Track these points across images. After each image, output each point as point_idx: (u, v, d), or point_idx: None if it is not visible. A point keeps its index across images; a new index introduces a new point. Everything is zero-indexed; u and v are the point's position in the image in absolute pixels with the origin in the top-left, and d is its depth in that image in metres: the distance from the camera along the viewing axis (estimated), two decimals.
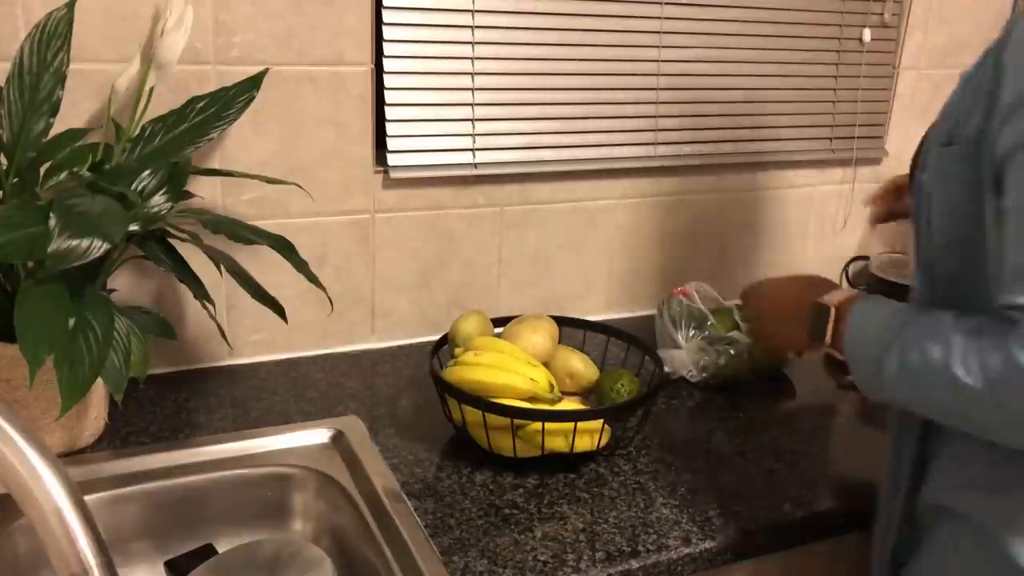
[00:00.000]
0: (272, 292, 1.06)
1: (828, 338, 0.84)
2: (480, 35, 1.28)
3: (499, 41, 1.29)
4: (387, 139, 1.26)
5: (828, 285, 0.90)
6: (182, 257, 1.05)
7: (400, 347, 1.36)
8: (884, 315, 0.78)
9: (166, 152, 1.02)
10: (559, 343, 1.16)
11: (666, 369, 1.19)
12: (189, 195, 1.14)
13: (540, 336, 1.12)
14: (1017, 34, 0.70)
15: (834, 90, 1.57)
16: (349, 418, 1.12)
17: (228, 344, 1.24)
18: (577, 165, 1.40)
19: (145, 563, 0.97)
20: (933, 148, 0.78)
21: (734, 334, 1.26)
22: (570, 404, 1.06)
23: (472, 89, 1.29)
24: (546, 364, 1.10)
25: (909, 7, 1.58)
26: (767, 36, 1.47)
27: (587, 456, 1.05)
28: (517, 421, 0.99)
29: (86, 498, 0.50)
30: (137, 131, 1.03)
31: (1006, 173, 0.69)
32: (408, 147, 1.28)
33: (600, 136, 1.40)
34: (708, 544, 0.92)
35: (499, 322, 1.18)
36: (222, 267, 1.03)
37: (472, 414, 1.01)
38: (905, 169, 1.68)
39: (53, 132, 0.99)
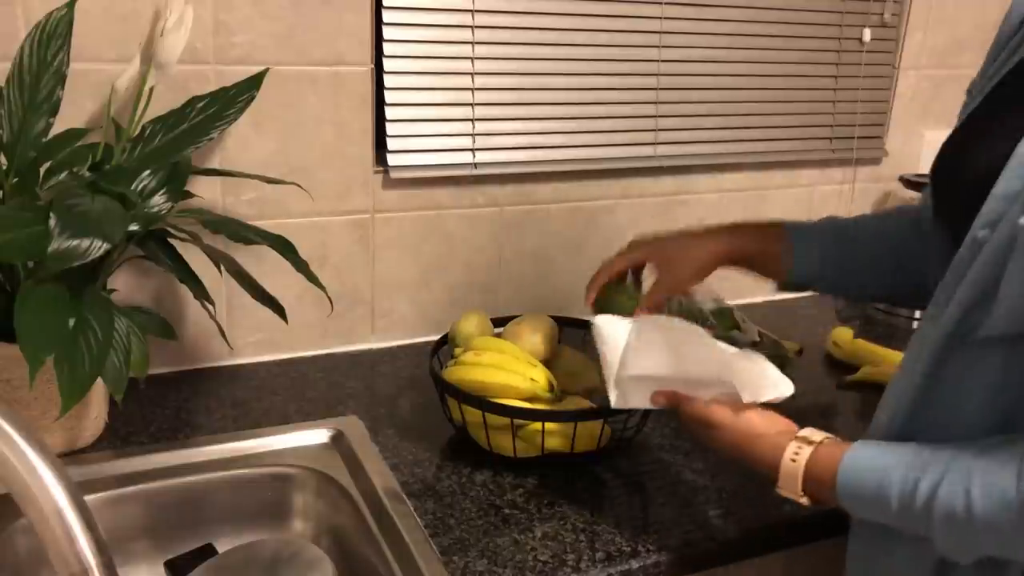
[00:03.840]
0: (272, 292, 1.07)
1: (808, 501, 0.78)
2: (480, 35, 1.28)
3: (499, 41, 1.29)
4: (387, 139, 1.26)
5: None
6: (182, 257, 1.05)
7: (400, 347, 1.36)
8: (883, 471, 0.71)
9: (166, 152, 1.02)
10: (559, 343, 1.16)
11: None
12: (189, 195, 1.14)
13: (540, 336, 1.12)
14: None
15: (834, 90, 1.57)
16: (349, 418, 1.12)
17: (228, 344, 1.24)
18: (577, 165, 1.40)
19: (145, 563, 0.97)
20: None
21: (734, 334, 1.26)
22: (570, 404, 1.06)
23: (472, 89, 1.29)
24: (546, 364, 1.10)
25: (909, 7, 1.58)
26: (767, 36, 1.47)
27: (587, 456, 1.04)
28: (517, 421, 0.99)
29: (86, 498, 0.50)
30: (137, 131, 1.03)
31: None
32: (408, 147, 1.28)
33: (600, 136, 1.40)
34: (708, 544, 0.92)
35: (499, 322, 1.18)
36: (222, 267, 1.03)
37: (472, 414, 1.01)
38: (904, 168, 1.68)
39: (53, 132, 0.99)
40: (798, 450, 0.76)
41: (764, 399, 0.83)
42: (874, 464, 0.71)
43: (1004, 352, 0.68)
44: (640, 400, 0.88)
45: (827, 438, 0.78)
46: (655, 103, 1.43)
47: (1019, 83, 0.76)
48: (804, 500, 0.77)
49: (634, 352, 0.87)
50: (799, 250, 0.99)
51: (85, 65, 1.08)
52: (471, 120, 1.31)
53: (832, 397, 1.27)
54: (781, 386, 0.86)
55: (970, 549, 0.68)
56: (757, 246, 1.01)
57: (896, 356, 1.36)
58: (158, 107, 1.05)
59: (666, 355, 0.86)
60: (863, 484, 0.72)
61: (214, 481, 1.00)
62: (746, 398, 0.82)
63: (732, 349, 0.87)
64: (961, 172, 0.77)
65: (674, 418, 1.17)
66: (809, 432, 0.79)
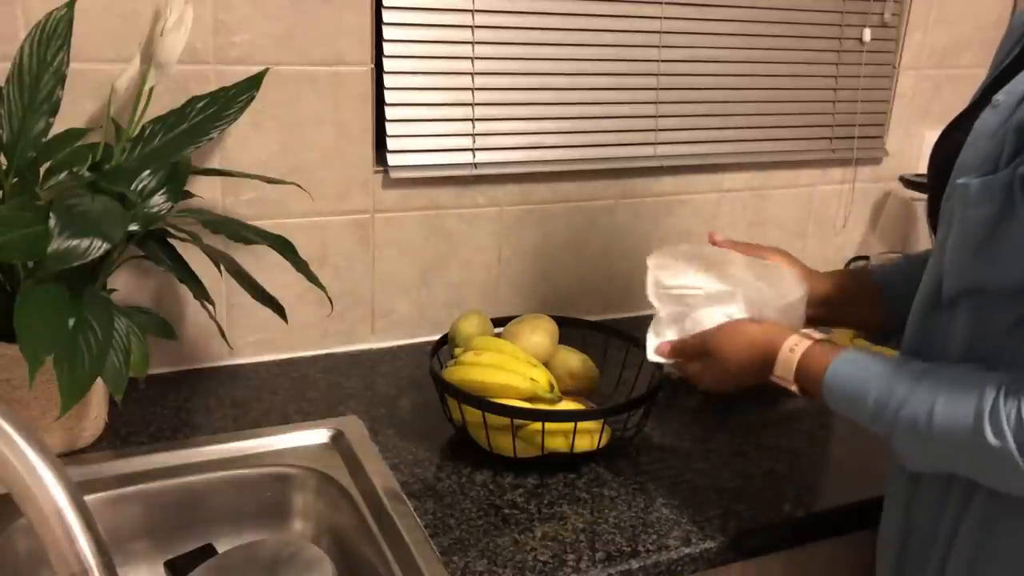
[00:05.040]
0: (272, 292, 1.07)
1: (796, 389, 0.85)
2: (480, 35, 1.28)
3: (499, 41, 1.29)
4: (387, 139, 1.26)
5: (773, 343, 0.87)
6: (182, 257, 1.05)
7: (400, 347, 1.36)
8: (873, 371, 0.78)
9: (166, 152, 1.02)
10: (559, 343, 1.16)
11: (666, 369, 1.19)
12: (189, 195, 1.14)
13: (540, 336, 1.12)
14: None
15: (834, 90, 1.57)
16: (349, 418, 1.12)
17: (228, 344, 1.24)
18: (577, 165, 1.40)
19: (145, 563, 0.97)
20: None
21: None
22: (570, 404, 1.06)
23: (472, 89, 1.29)
24: (546, 364, 1.10)
25: (909, 7, 1.58)
26: (767, 36, 1.47)
27: (587, 456, 1.04)
28: (517, 421, 0.99)
29: (86, 498, 0.50)
30: (137, 131, 1.03)
31: None
32: (408, 147, 1.28)
33: (600, 136, 1.40)
34: (708, 544, 0.92)
35: (499, 322, 1.18)
36: (222, 267, 1.03)
37: (472, 414, 1.01)
38: (904, 168, 1.69)
39: (53, 132, 0.99)
40: (797, 343, 0.84)
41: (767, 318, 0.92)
42: (859, 368, 0.79)
43: (973, 306, 0.74)
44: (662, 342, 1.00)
45: (826, 339, 0.85)
46: (655, 103, 1.43)
47: (1009, 74, 0.78)
48: (794, 388, 0.85)
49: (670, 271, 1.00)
50: (892, 302, 0.98)
51: (85, 65, 1.08)
52: (471, 120, 1.31)
53: None
54: (790, 296, 0.93)
55: (926, 460, 0.75)
56: (855, 289, 1.01)
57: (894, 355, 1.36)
58: (158, 107, 1.05)
59: (694, 273, 0.98)
60: (847, 383, 0.79)
61: (214, 481, 1.00)
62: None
63: (756, 264, 0.95)
64: (939, 158, 0.82)
65: (674, 418, 1.17)
66: (810, 331, 0.86)
